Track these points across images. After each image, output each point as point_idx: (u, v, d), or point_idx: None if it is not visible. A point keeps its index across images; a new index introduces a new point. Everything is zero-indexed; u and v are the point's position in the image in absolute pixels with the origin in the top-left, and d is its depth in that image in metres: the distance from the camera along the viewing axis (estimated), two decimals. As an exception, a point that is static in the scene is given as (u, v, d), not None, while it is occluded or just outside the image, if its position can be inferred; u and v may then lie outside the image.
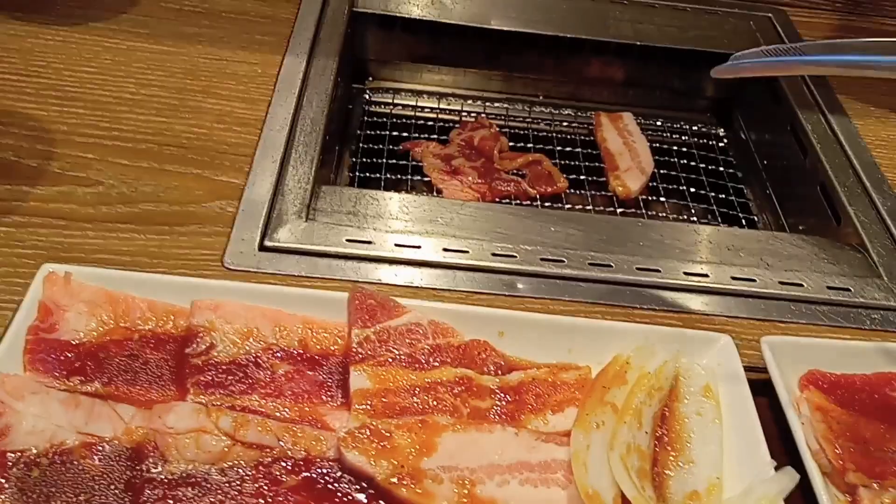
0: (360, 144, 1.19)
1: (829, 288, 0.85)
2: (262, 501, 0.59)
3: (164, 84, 0.99)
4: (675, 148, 1.26)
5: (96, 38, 1.05)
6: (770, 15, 1.31)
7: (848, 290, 0.85)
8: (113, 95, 0.96)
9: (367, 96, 1.28)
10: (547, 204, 1.13)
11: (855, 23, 1.34)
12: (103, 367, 0.66)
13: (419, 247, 0.84)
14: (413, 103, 1.29)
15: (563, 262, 0.84)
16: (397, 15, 1.21)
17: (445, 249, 0.84)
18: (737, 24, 1.28)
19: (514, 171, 1.18)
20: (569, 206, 1.13)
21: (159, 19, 1.10)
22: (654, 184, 1.17)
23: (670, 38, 1.24)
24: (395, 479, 0.59)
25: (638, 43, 1.22)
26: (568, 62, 1.28)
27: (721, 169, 1.24)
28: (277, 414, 0.64)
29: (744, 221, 1.14)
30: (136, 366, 0.67)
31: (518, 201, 1.12)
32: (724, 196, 1.18)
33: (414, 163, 1.17)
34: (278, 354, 0.69)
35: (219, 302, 0.71)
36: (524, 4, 1.24)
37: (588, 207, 1.14)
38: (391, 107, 1.28)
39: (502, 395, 0.68)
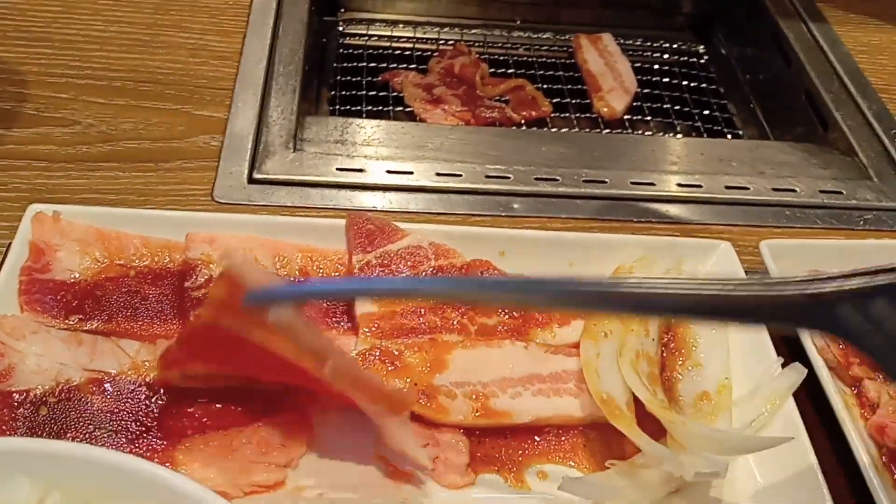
0: (338, 78, 1.16)
1: (821, 192, 0.85)
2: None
3: (133, 20, 0.96)
4: (656, 67, 1.24)
5: (59, -26, 1.00)
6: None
7: (840, 192, 0.86)
8: (81, 34, 0.93)
9: (340, 28, 1.25)
10: (533, 129, 1.11)
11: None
12: (102, 305, 0.65)
13: (411, 172, 0.82)
14: (388, 33, 1.25)
15: (558, 180, 0.83)
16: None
17: (438, 174, 0.83)
18: (714, -64, 1.26)
19: (497, 98, 1.16)
20: (554, 129, 1.12)
21: (123, -48, 1.05)
22: (638, 104, 1.16)
23: (648, -48, 1.21)
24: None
25: (615, -42, 1.20)
26: (544, -17, 1.25)
27: (703, 86, 1.23)
28: (284, 341, 0.63)
29: (729, 136, 1.14)
30: (135, 302, 0.65)
31: (503, 127, 1.10)
32: (707, 112, 1.17)
33: (394, 94, 1.14)
34: (280, 283, 0.68)
35: (214, 234, 0.69)
36: (498, -75, 1.21)
37: (574, 130, 1.12)
38: (366, 38, 1.24)
39: (508, 311, 0.68)
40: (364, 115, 1.09)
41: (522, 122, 1.12)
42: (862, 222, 0.83)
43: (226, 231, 0.70)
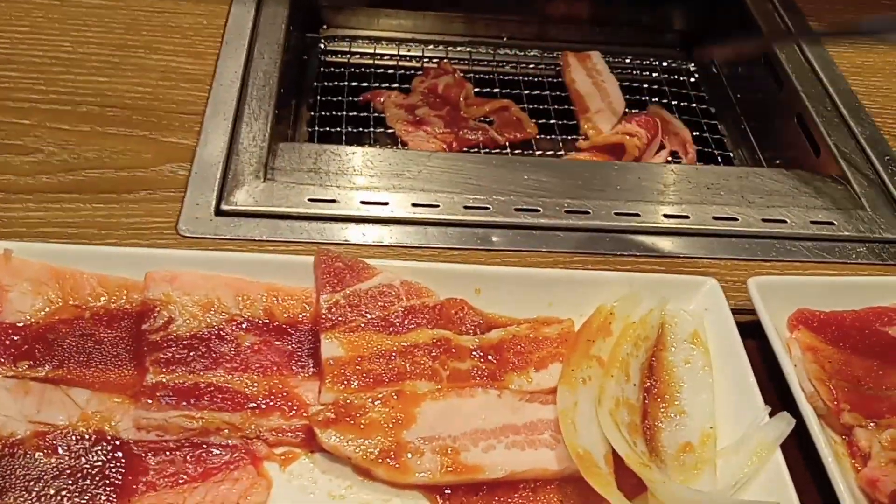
0: (318, 97, 1.13)
1: (812, 223, 0.82)
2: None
3: (103, 41, 0.93)
4: (645, 86, 1.22)
5: (25, -7, 0.97)
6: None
7: (832, 223, 0.83)
8: (48, 56, 0.90)
9: (321, 45, 1.22)
10: (517, 151, 1.09)
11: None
12: (53, 350, 0.61)
13: (386, 203, 0.79)
14: (371, 51, 1.22)
15: (539, 210, 0.80)
16: (349, -46, 1.15)
17: (414, 205, 0.80)
18: (704, -47, 1.23)
19: (482, 119, 1.13)
20: (539, 151, 1.09)
21: (94, -30, 1.02)
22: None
23: (637, -30, 1.19)
24: (372, 458, 0.56)
25: (603, -24, 1.17)
26: (531, 1, 1.22)
27: (693, 105, 1.20)
28: (245, 390, 0.60)
29: (719, 158, 1.11)
30: (88, 346, 0.62)
31: (487, 149, 1.08)
32: (697, 133, 1.14)
33: (376, 114, 1.11)
34: (243, 325, 0.65)
35: (175, 273, 0.66)
36: (483, -60, 1.18)
37: (560, 153, 1.09)
38: (348, 56, 1.21)
39: (482, 354, 0.65)
40: (344, 137, 1.06)
41: (507, 143, 1.09)
42: (854, 255, 0.80)
43: (189, 268, 0.67)
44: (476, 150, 1.07)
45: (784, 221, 0.82)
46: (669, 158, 1.10)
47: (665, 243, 0.79)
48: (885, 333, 0.70)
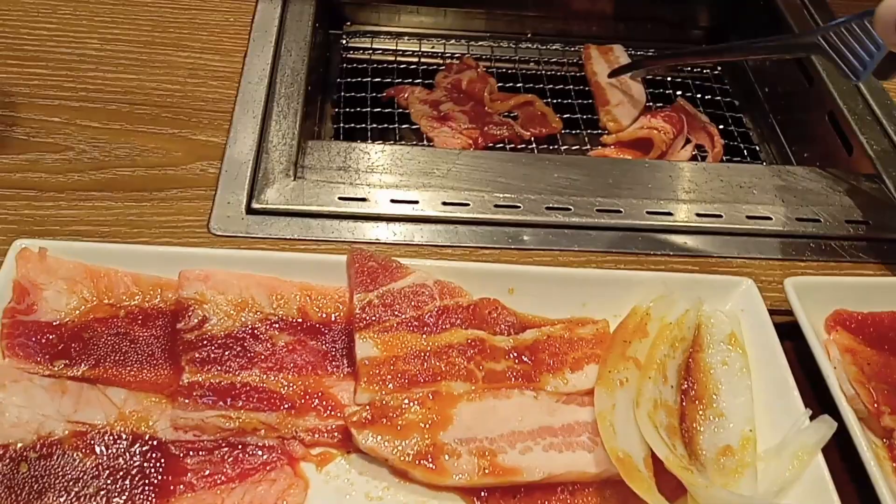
0: (342, 94, 1.12)
1: (847, 222, 0.81)
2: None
3: (131, 38, 0.92)
4: (668, 79, 1.20)
5: (53, -10, 0.97)
6: (766, -64, 1.24)
7: (867, 223, 0.82)
8: (76, 53, 0.89)
9: (344, 42, 1.21)
10: (543, 146, 1.08)
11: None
12: (89, 349, 0.61)
13: (416, 202, 0.79)
14: (393, 47, 1.22)
15: (570, 209, 0.80)
16: (374, -49, 1.14)
17: (445, 203, 0.79)
18: (731, -53, 1.21)
19: (506, 114, 1.12)
20: (565, 147, 1.08)
21: (121, -33, 1.02)
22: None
23: (663, -35, 1.17)
24: (409, 460, 0.55)
25: (629, -29, 1.16)
26: (554, -4, 1.21)
27: (718, 98, 1.19)
28: (281, 390, 0.60)
29: (746, 152, 1.10)
30: (124, 345, 0.62)
31: (512, 145, 1.07)
32: (722, 127, 1.13)
33: (400, 110, 1.11)
34: (277, 325, 0.64)
35: (209, 271, 0.66)
36: (508, -65, 1.17)
37: (585, 147, 1.09)
38: (370, 52, 1.21)
39: (517, 355, 0.64)
40: (369, 133, 1.06)
41: (532, 138, 1.08)
42: (891, 255, 0.79)
43: (221, 267, 0.66)
44: (501, 145, 1.07)
45: (818, 220, 0.81)
46: (695, 152, 1.09)
47: (698, 242, 0.78)
48: (923, 335, 0.69)
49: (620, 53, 1.20)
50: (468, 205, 0.79)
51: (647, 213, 0.80)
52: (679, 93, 1.18)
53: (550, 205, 0.80)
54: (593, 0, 1.23)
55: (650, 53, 1.24)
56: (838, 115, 0.96)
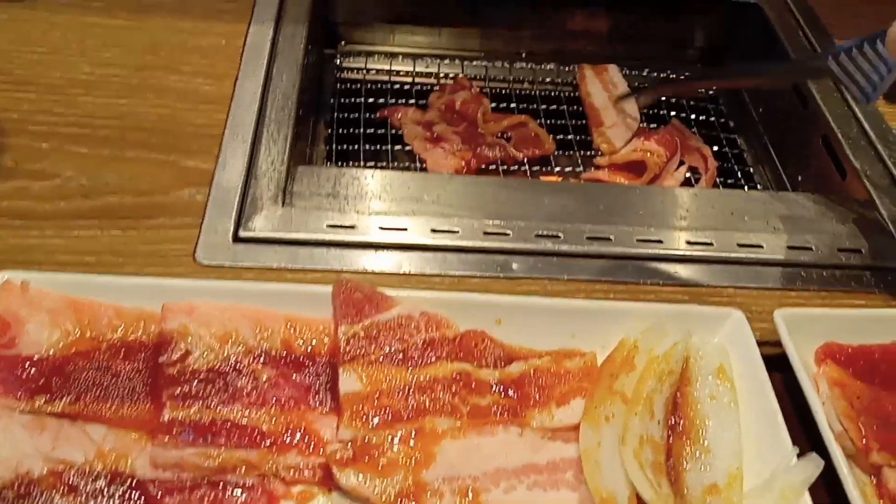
0: (335, 114, 1.12)
1: (839, 250, 0.81)
2: None
3: (122, 62, 0.92)
4: (663, 99, 1.20)
5: (45, 14, 0.97)
6: (761, -44, 1.24)
7: (859, 251, 0.81)
8: (66, 77, 0.89)
9: (338, 61, 1.21)
10: (536, 168, 1.08)
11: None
12: (70, 383, 0.61)
13: (405, 229, 0.78)
14: (387, 67, 1.22)
15: (560, 237, 0.79)
16: (368, -27, 1.14)
17: (434, 230, 0.79)
18: (727, -32, 1.21)
19: (499, 134, 1.12)
20: (558, 168, 1.08)
21: (112, -10, 1.02)
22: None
23: (658, -15, 1.17)
24: (392, 500, 0.55)
25: (624, -9, 1.15)
26: (549, 15, 1.21)
27: (712, 119, 1.19)
28: (263, 426, 0.59)
29: (739, 174, 1.10)
30: (105, 380, 0.61)
31: (505, 166, 1.07)
32: (717, 148, 1.13)
33: (393, 131, 1.11)
34: (260, 358, 0.64)
35: (192, 304, 0.65)
36: (502, -44, 1.17)
37: (579, 169, 1.08)
38: (364, 72, 1.21)
39: (503, 389, 0.64)
40: (362, 155, 1.06)
41: (525, 159, 1.08)
42: (883, 284, 0.78)
43: (206, 299, 0.66)
44: (494, 166, 1.07)
45: (810, 249, 0.81)
46: (689, 174, 1.09)
47: (689, 271, 0.78)
48: (915, 368, 0.69)
49: (615, 74, 1.20)
50: (457, 232, 0.79)
51: (638, 240, 0.80)
52: (673, 113, 1.18)
53: (540, 232, 0.79)
54: (589, 20, 1.23)
55: (656, 75, 1.23)
56: (832, 139, 0.96)
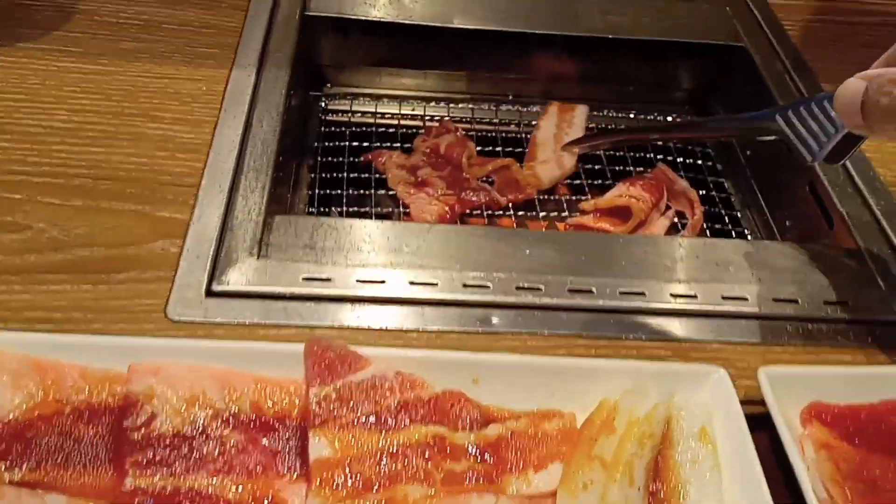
0: (319, 158, 1.11)
1: (825, 303, 0.79)
2: None
3: (100, 109, 0.91)
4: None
5: (23, 59, 0.96)
6: (747, -1, 1.25)
7: (846, 303, 0.80)
8: (43, 125, 0.88)
9: (323, 104, 1.21)
10: (521, 212, 1.07)
11: (834, 2, 1.28)
12: (31, 449, 0.59)
13: (383, 281, 0.77)
14: (372, 109, 1.21)
15: (541, 289, 0.78)
16: (353, 17, 1.13)
17: (412, 283, 0.77)
18: (712, 11, 1.21)
19: (484, 178, 1.11)
20: (543, 213, 1.07)
21: (94, 35, 1.01)
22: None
23: (643, 29, 1.17)
24: (359, 577, 0.53)
25: (610, 37, 1.15)
26: (536, 59, 1.20)
27: (700, 162, 1.18)
28: (229, 495, 0.57)
29: (727, 218, 1.09)
30: (67, 445, 0.59)
31: (490, 210, 1.06)
32: (703, 192, 1.12)
33: (377, 175, 1.09)
34: (228, 421, 0.62)
35: (159, 364, 0.63)
36: (489, 0, 1.17)
37: (564, 214, 1.07)
38: (349, 115, 1.20)
39: (479, 454, 0.62)
40: (345, 200, 1.04)
41: (509, 204, 1.07)
42: (870, 339, 0.77)
43: (174, 358, 0.64)
44: (479, 211, 1.06)
45: (796, 301, 0.79)
46: (675, 219, 1.08)
47: (672, 325, 0.76)
48: (902, 428, 0.67)
49: (579, 113, 1.18)
50: (436, 284, 0.77)
51: (621, 293, 0.78)
52: (660, 156, 1.17)
53: (521, 284, 0.78)
54: (575, 62, 1.22)
55: (642, 117, 1.23)
56: (818, 186, 0.95)
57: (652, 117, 1.25)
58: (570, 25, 1.16)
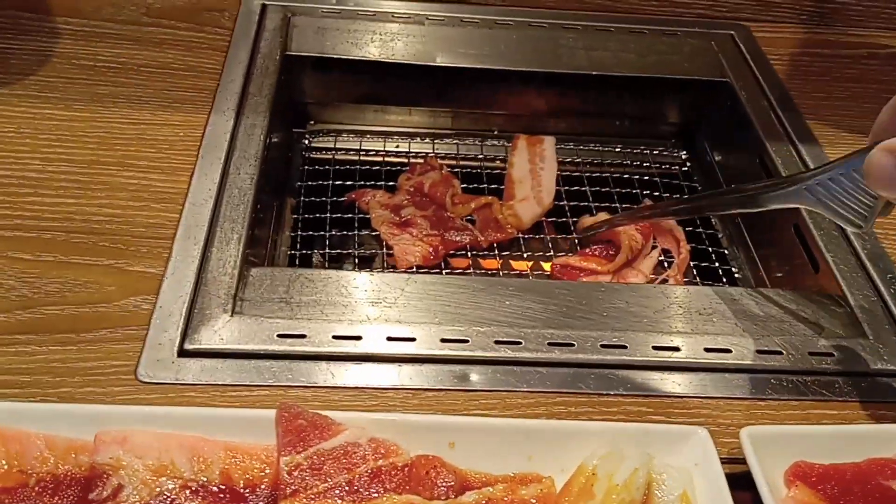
0: (302, 198, 1.10)
1: (811, 354, 0.78)
2: None
3: (74, 157, 0.90)
4: (636, 177, 1.18)
5: (1, 106, 0.95)
6: (732, 32, 1.24)
7: (831, 354, 0.78)
8: (16, 175, 0.87)
9: (306, 141, 1.20)
10: (505, 252, 1.05)
11: (820, 35, 1.27)
12: (-7, 525, 0.57)
13: (360, 337, 0.75)
14: (357, 147, 1.20)
15: (521, 343, 0.76)
16: (335, 56, 1.12)
17: (389, 338, 0.76)
18: (697, 46, 1.20)
19: (468, 216, 1.10)
20: (528, 252, 1.06)
21: (71, 79, 1.00)
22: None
23: (627, 65, 1.16)
24: None
25: (594, 73, 1.14)
26: (521, 96, 1.19)
27: (686, 197, 1.17)
28: (194, 574, 0.56)
29: (714, 256, 1.08)
30: (30, 520, 0.58)
31: (474, 251, 1.05)
32: (691, 228, 1.11)
33: (361, 215, 1.08)
34: (197, 492, 0.60)
35: (126, 433, 0.62)
36: (470, 37, 1.16)
37: (549, 253, 1.06)
38: (333, 152, 1.19)
39: (457, 521, 0.60)
40: (328, 242, 1.03)
41: (494, 244, 1.06)
42: (856, 392, 0.76)
43: (143, 425, 0.63)
44: (463, 252, 1.05)
45: (780, 353, 0.78)
46: (661, 257, 1.07)
47: (653, 381, 0.75)
48: (888, 488, 0.66)
49: (548, 146, 1.17)
50: (414, 339, 0.76)
51: (601, 346, 0.77)
52: (647, 192, 1.16)
53: (500, 338, 0.77)
54: (560, 97, 1.21)
55: (629, 151, 1.22)
56: (803, 229, 0.93)
57: (638, 151, 1.24)
58: (553, 62, 1.15)
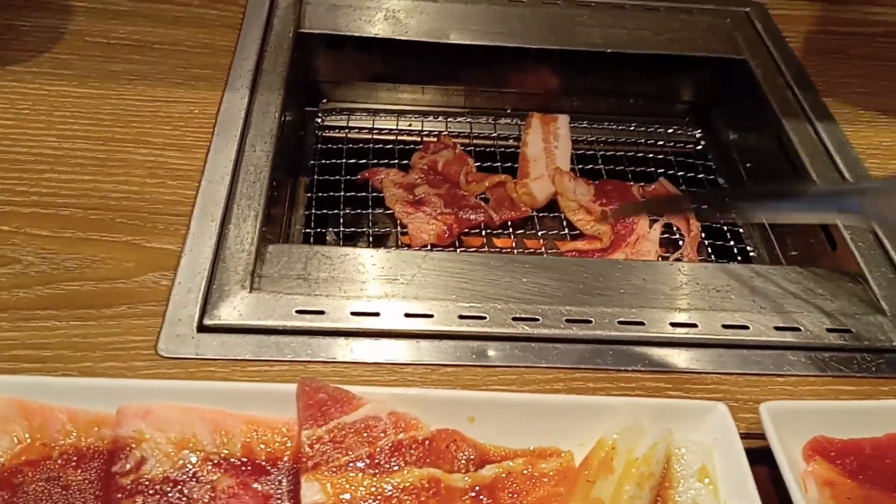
0: (316, 176, 1.10)
1: (828, 330, 0.78)
2: None
3: (90, 134, 0.90)
4: (650, 156, 1.18)
5: (13, 83, 0.95)
6: (747, 10, 1.23)
7: (849, 331, 0.78)
8: (32, 152, 0.87)
9: (319, 120, 1.19)
10: (519, 231, 1.05)
11: (836, 13, 1.26)
12: (17, 496, 0.58)
13: (378, 314, 0.76)
14: (370, 125, 1.19)
15: (538, 320, 0.76)
16: (348, 34, 1.12)
17: (407, 315, 0.76)
18: (713, 23, 1.19)
19: (482, 194, 1.10)
20: (542, 231, 1.05)
21: (85, 56, 1.00)
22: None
23: (642, 42, 1.15)
24: None
25: (608, 51, 1.13)
26: (535, 74, 1.19)
27: (701, 176, 1.16)
28: (218, 545, 0.56)
29: (728, 233, 1.07)
30: (55, 492, 0.59)
31: (489, 229, 1.04)
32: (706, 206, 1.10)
33: (375, 193, 1.08)
34: (219, 465, 0.61)
35: (149, 406, 0.62)
36: (484, 15, 1.15)
37: (563, 232, 1.06)
38: (346, 130, 1.19)
39: (475, 496, 0.60)
40: (342, 220, 1.03)
41: (508, 222, 1.06)
42: (874, 368, 0.75)
43: (164, 399, 0.63)
44: (477, 230, 1.04)
45: (798, 329, 0.78)
46: (675, 235, 1.06)
47: (671, 356, 0.75)
48: (908, 463, 0.66)
49: (562, 124, 1.17)
50: (432, 316, 0.76)
51: (619, 322, 0.77)
52: (661, 170, 1.16)
53: (518, 315, 0.77)
54: (574, 76, 1.20)
55: (644, 129, 1.21)
56: (821, 207, 0.93)
57: (653, 129, 1.23)
58: (568, 40, 1.14)
